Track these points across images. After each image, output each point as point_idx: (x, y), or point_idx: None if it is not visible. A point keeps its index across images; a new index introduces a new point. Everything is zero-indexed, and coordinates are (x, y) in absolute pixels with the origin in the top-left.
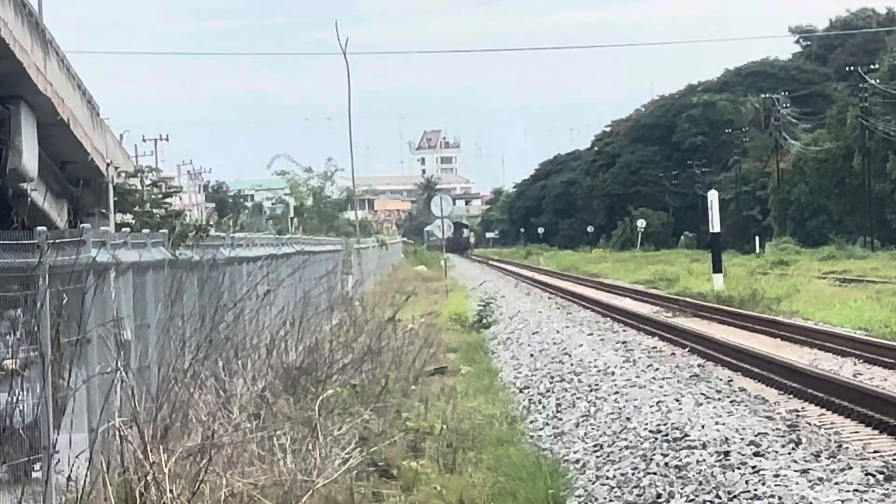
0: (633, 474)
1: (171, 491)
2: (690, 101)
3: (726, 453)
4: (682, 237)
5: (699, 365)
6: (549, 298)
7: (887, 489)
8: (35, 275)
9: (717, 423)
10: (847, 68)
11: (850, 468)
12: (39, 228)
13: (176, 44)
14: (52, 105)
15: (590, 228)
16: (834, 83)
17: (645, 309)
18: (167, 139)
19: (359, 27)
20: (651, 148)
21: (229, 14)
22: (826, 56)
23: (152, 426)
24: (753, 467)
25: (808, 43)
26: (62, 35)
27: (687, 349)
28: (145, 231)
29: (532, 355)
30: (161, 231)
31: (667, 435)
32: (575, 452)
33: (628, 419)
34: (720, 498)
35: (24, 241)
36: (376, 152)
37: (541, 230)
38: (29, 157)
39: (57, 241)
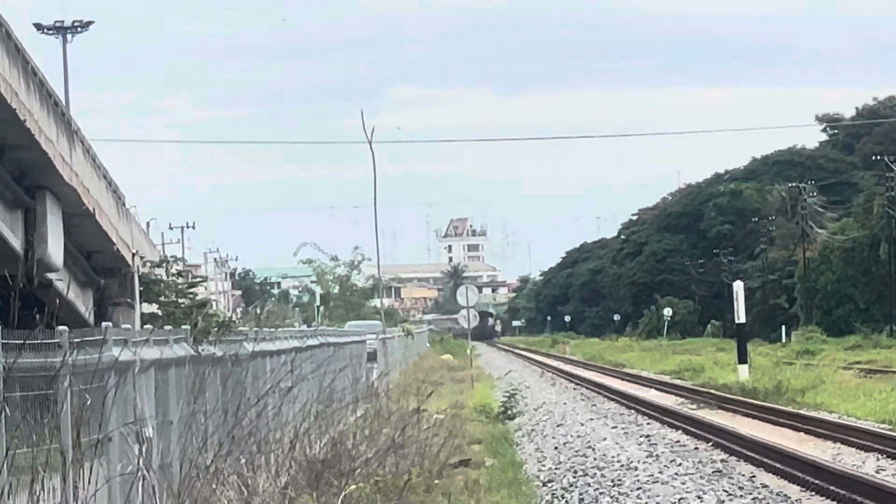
0: None
1: None
2: (717, 189)
3: None
4: (709, 325)
5: (722, 460)
6: (575, 389)
7: None
8: (57, 375)
9: None
10: (874, 157)
11: None
12: (61, 328)
13: (203, 131)
14: (77, 195)
15: (616, 317)
16: (861, 172)
17: (669, 400)
18: (194, 227)
19: (386, 115)
20: (678, 236)
21: (256, 102)
22: (853, 145)
23: None
24: None
25: (835, 131)
26: (89, 123)
27: (710, 443)
28: (167, 327)
29: (556, 448)
30: (184, 327)
31: None
32: None
33: None
34: None
35: (46, 341)
36: (403, 240)
37: (567, 318)
38: (55, 247)
39: (79, 340)
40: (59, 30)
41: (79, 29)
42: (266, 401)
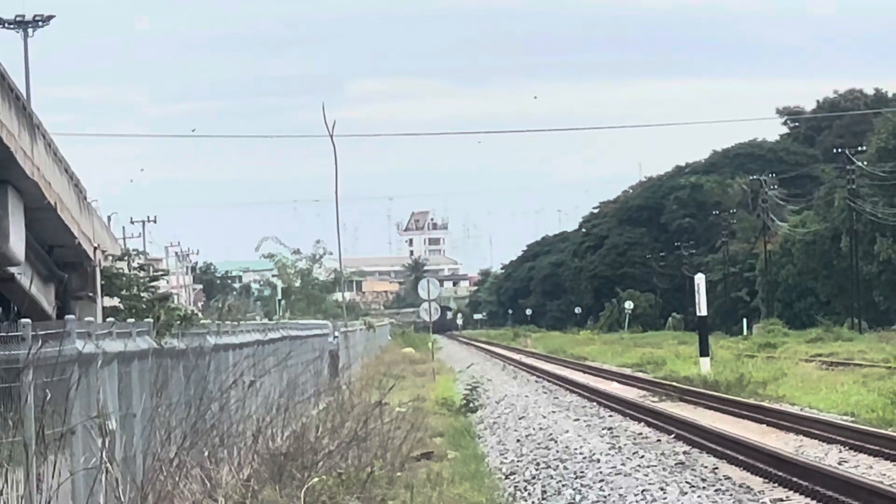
0: None
1: None
2: (678, 182)
3: None
4: (670, 318)
5: (685, 452)
6: (536, 382)
7: None
8: (19, 367)
9: None
10: (835, 150)
11: None
12: (23, 321)
13: (164, 126)
14: (39, 189)
15: (577, 310)
16: (821, 165)
17: (631, 393)
18: (155, 221)
19: (347, 109)
20: (639, 229)
21: (218, 96)
22: (814, 137)
23: None
24: None
25: (796, 124)
26: (50, 118)
27: (672, 435)
28: (130, 321)
29: (518, 440)
30: (146, 320)
31: None
32: None
33: None
34: None
35: (9, 334)
36: (364, 234)
37: (529, 311)
38: (16, 241)
39: (41, 333)
40: (21, 24)
41: (40, 23)
42: (229, 394)
